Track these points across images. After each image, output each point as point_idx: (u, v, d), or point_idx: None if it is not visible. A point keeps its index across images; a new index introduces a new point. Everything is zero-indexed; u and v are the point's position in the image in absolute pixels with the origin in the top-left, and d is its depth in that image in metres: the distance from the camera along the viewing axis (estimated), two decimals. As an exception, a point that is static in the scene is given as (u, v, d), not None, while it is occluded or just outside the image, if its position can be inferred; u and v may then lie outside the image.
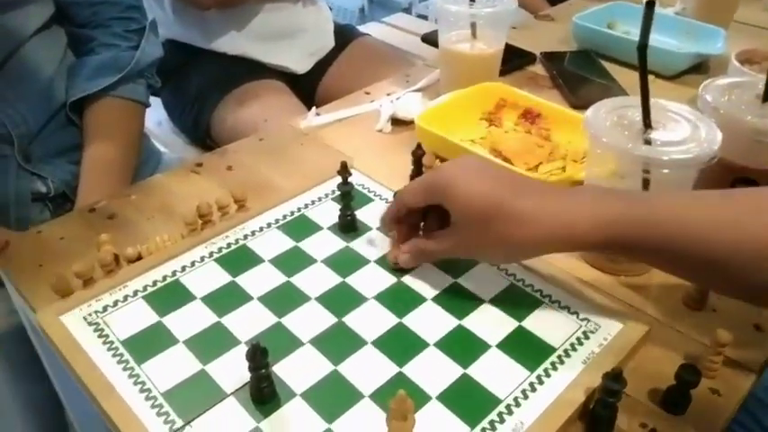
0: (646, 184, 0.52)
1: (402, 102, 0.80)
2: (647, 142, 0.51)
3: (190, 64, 1.20)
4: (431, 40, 1.01)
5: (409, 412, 0.36)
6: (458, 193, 0.47)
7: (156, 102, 1.29)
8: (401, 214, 0.53)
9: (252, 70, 1.18)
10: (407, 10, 2.90)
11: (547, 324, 0.49)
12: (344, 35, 1.30)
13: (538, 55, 0.97)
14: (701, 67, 0.93)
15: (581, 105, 0.77)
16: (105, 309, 0.51)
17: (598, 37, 0.96)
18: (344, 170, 0.57)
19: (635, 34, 0.96)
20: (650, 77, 0.88)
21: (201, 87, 1.17)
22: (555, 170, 0.67)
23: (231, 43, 1.18)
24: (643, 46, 0.48)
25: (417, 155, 0.65)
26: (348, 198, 0.58)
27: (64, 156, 0.86)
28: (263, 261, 0.56)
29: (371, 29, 1.81)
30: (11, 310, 0.78)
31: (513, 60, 0.92)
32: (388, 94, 0.86)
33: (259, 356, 0.41)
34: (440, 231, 0.51)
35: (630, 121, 0.53)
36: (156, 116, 1.28)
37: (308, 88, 1.28)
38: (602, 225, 0.44)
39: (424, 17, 2.41)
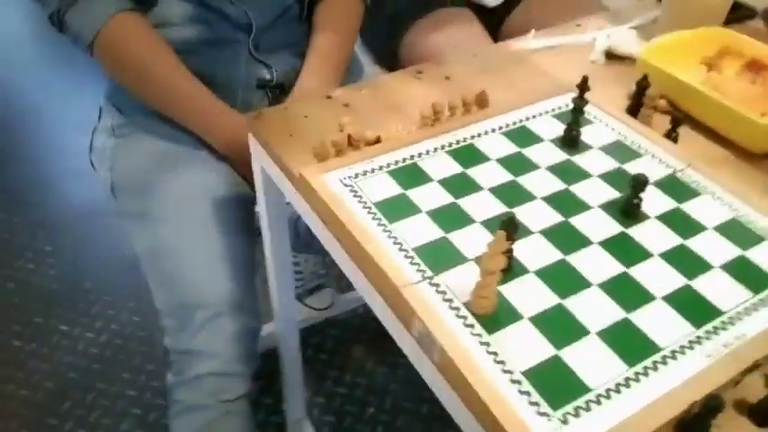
0: None
1: (618, 37, 0.81)
2: None
3: (388, -17, 1.25)
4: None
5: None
6: None
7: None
8: None
9: (446, -2, 1.22)
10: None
11: (769, 257, 0.51)
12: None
13: (759, 11, 0.93)
14: None
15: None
16: (357, 176, 0.58)
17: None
18: (584, 84, 0.60)
19: None
20: None
21: (398, 9, 1.22)
22: (780, 122, 0.66)
23: (432, -32, 1.22)
24: None
25: (642, 86, 0.67)
26: (579, 113, 0.61)
27: (286, 49, 0.96)
28: (490, 159, 0.61)
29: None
30: (234, 182, 0.90)
31: (734, 13, 0.89)
32: (600, 29, 0.87)
33: (513, 227, 0.47)
34: None
35: None
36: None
37: (493, 23, 1.30)
38: None
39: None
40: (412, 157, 0.61)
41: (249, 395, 0.86)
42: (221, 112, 0.87)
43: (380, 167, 0.60)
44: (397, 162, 0.60)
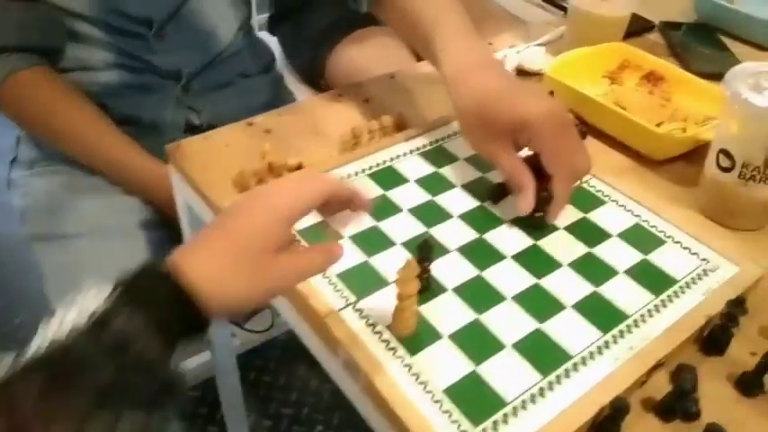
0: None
1: (526, 54, 0.85)
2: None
3: (312, 3, 1.26)
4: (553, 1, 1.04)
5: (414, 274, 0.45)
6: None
7: (272, 40, 1.37)
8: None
9: (369, 16, 1.24)
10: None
11: (669, 260, 0.55)
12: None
13: (656, 23, 0.99)
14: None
15: (697, 75, 0.79)
16: (278, 204, 0.59)
17: (721, 12, 0.97)
18: (492, 106, 0.63)
19: (757, 12, 0.97)
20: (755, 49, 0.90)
21: (323, 27, 1.23)
22: (676, 130, 0.71)
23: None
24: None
25: (549, 102, 0.70)
26: (490, 132, 0.64)
27: (217, 90, 0.94)
28: (409, 181, 0.63)
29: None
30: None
31: (633, 26, 0.95)
32: (511, 46, 0.91)
33: (428, 249, 0.48)
34: None
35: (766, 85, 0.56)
36: (270, 53, 1.35)
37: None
38: None
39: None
40: (332, 182, 0.62)
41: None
42: (139, 165, 0.85)
43: (301, 195, 0.60)
44: (317, 188, 0.61)
